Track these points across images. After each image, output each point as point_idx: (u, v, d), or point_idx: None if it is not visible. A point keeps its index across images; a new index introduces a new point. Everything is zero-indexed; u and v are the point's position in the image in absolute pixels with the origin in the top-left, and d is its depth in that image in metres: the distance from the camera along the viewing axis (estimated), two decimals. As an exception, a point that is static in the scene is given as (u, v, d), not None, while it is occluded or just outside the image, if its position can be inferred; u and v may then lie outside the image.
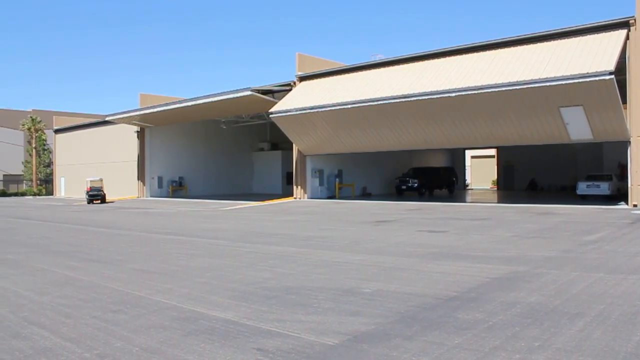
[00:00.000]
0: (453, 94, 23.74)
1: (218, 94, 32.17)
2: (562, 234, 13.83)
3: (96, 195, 38.45)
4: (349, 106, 27.46)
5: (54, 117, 56.67)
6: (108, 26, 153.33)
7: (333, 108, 28.11)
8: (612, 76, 19.80)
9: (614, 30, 21.82)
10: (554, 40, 23.26)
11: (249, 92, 30.19)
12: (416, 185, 34.65)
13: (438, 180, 38.39)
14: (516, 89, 21.98)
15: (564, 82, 20.77)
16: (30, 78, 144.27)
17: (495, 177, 48.48)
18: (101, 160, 47.61)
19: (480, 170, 52.84)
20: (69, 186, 52.98)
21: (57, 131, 55.24)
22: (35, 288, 8.40)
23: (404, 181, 35.14)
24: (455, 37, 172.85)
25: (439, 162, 45.77)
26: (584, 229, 14.96)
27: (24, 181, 59.76)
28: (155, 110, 36.47)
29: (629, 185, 22.54)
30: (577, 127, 22.50)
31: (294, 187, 34.22)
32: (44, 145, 59.01)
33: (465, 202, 30.71)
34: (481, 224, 17.01)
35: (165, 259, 11.17)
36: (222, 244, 13.71)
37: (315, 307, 6.72)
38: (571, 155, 38.51)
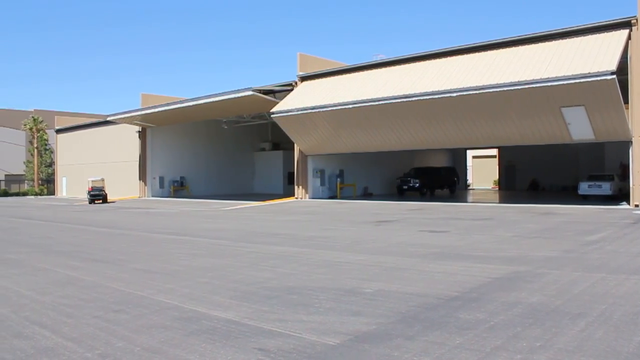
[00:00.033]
0: (454, 94, 23.73)
1: (219, 94, 32.18)
2: (563, 234, 13.81)
3: (98, 195, 38.48)
4: (350, 106, 27.45)
5: (55, 117, 56.74)
6: (110, 26, 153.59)
7: (334, 108, 28.11)
8: (614, 76, 19.78)
9: (615, 30, 21.79)
10: (555, 40, 23.24)
11: (250, 92, 30.20)
12: (417, 185, 34.62)
13: (439, 180, 38.35)
14: (518, 89, 21.96)
15: (565, 82, 20.75)
16: (32, 78, 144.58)
17: (496, 177, 48.43)
18: (103, 160, 47.65)
19: (482, 170, 52.79)
20: (71, 186, 53.03)
21: (58, 131, 55.31)
22: (36, 288, 8.41)
23: (406, 181, 35.11)
24: (456, 37, 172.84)
25: (440, 162, 45.73)
26: (586, 229, 14.95)
27: (26, 181, 59.83)
28: (156, 110, 36.50)
29: (631, 185, 22.51)
30: (579, 127, 22.48)
31: (295, 187, 34.22)
32: (46, 145, 59.07)
33: (466, 202, 30.69)
34: (482, 224, 17.00)
35: (167, 259, 11.17)
36: (223, 244, 13.71)
37: (317, 307, 6.72)
38: (573, 156, 38.47)
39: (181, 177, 44.35)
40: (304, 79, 32.59)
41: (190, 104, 34.31)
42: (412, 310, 6.40)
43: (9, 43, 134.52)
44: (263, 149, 48.77)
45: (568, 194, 31.79)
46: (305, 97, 30.44)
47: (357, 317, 6.18)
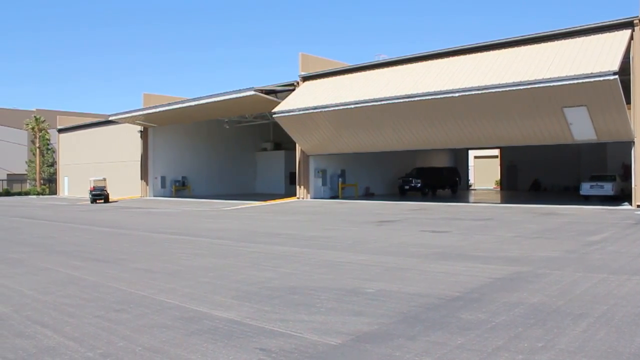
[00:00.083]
0: (456, 94, 23.72)
1: (221, 93, 32.19)
2: (565, 235, 13.80)
3: (99, 195, 38.53)
4: (352, 106, 27.45)
5: (57, 116, 56.79)
6: (111, 26, 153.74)
7: (336, 108, 28.11)
8: (616, 76, 19.74)
9: (618, 31, 21.75)
10: (557, 40, 23.21)
11: (252, 92, 30.21)
12: (419, 185, 34.62)
13: (441, 180, 38.35)
14: (520, 89, 21.94)
15: (567, 82, 20.72)
16: (34, 78, 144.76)
17: (498, 177, 48.38)
18: (105, 159, 47.69)
19: (484, 171, 52.74)
20: (73, 186, 53.09)
21: (60, 131, 55.37)
22: (38, 287, 8.43)
23: (407, 181, 35.11)
24: (458, 37, 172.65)
25: (442, 162, 45.70)
26: (588, 229, 14.93)
27: (28, 180, 59.91)
28: (158, 110, 36.53)
29: (633, 185, 22.47)
30: (581, 128, 22.45)
31: (297, 187, 34.23)
32: (48, 144, 59.15)
33: (468, 202, 30.67)
34: (484, 224, 16.99)
35: (169, 259, 11.18)
36: (225, 243, 13.72)
37: (318, 307, 6.72)
38: (575, 156, 38.42)
39: (183, 177, 44.38)
40: (305, 79, 32.59)
41: (192, 103, 34.33)
42: (414, 311, 6.40)
43: (11, 43, 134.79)
44: (265, 149, 48.78)
45: (570, 195, 31.76)
46: (307, 97, 30.44)
47: (359, 317, 6.18)
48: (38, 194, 55.46)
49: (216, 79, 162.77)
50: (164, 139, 43.12)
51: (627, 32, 21.49)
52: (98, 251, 12.80)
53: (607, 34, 21.87)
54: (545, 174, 41.69)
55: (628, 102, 21.54)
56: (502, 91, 22.47)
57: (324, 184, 34.09)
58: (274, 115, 31.21)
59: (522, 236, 13.71)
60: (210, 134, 44.85)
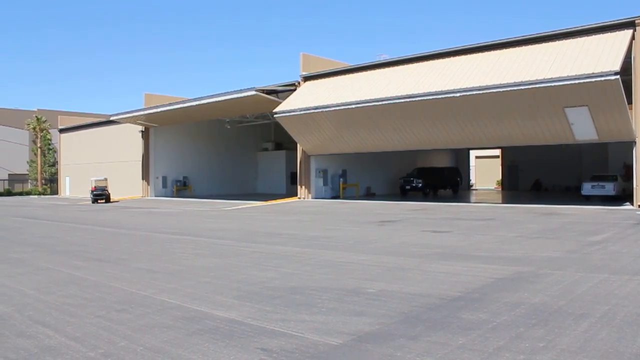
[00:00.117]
0: (458, 94, 23.71)
1: (222, 93, 32.21)
2: (566, 235, 13.79)
3: (101, 195, 38.55)
4: (354, 106, 27.45)
5: (58, 116, 56.85)
6: (113, 26, 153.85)
7: (337, 108, 28.11)
8: (618, 76, 19.73)
9: (619, 30, 21.73)
10: (559, 40, 23.20)
11: (253, 92, 30.22)
12: (420, 185, 34.61)
13: (442, 180, 38.33)
14: (521, 89, 21.93)
15: (569, 82, 20.70)
16: (35, 78, 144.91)
17: (499, 177, 48.36)
18: (106, 159, 47.74)
19: (485, 171, 52.72)
20: (74, 185, 53.14)
21: (62, 131, 55.42)
22: (40, 287, 8.44)
23: (408, 181, 35.10)
24: (459, 38, 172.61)
25: (443, 162, 45.68)
26: (589, 229, 14.92)
27: (29, 180, 59.98)
28: (159, 110, 36.56)
29: (634, 185, 22.46)
30: (582, 128, 22.43)
31: (298, 187, 34.23)
32: (49, 144, 59.23)
33: (469, 202, 30.65)
34: (485, 225, 16.98)
35: (170, 259, 11.19)
36: (226, 243, 13.73)
37: (320, 307, 6.72)
38: (576, 156, 38.39)
39: (184, 177, 44.40)
40: (307, 78, 32.59)
41: (193, 103, 34.36)
42: (415, 311, 6.40)
43: (13, 43, 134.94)
44: (266, 149, 48.80)
45: (571, 195, 31.73)
46: (308, 97, 30.45)
47: (360, 317, 6.18)
48: (39, 194, 55.52)
49: (217, 79, 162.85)
50: (165, 139, 43.15)
51: (628, 32, 21.47)
52: (99, 251, 12.81)
53: (609, 33, 21.85)
54: (547, 174, 41.66)
55: (629, 102, 21.52)
56: (504, 91, 22.46)
57: (325, 184, 34.09)
58: (275, 115, 31.22)
59: (524, 236, 13.70)
60: (212, 134, 44.87)
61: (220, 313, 6.53)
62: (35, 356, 5.10)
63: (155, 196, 42.54)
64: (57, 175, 57.51)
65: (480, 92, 23.02)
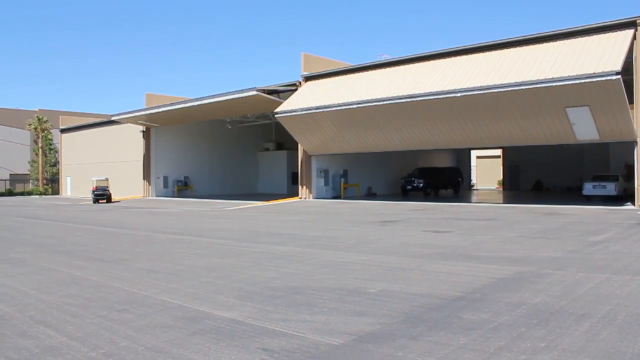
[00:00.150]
0: (459, 94, 23.70)
1: (224, 93, 32.22)
2: (567, 235, 13.77)
3: (102, 195, 38.57)
4: (355, 106, 27.45)
5: (60, 116, 56.88)
6: (114, 26, 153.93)
7: (338, 108, 28.11)
8: (619, 76, 19.71)
9: (620, 30, 21.71)
10: (560, 40, 23.18)
11: (254, 92, 30.22)
12: (421, 185, 34.60)
13: (443, 180, 38.32)
14: (522, 89, 21.91)
15: (570, 82, 20.69)
16: (37, 78, 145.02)
17: (500, 177, 48.35)
18: (107, 159, 47.77)
19: (486, 171, 52.70)
20: (75, 185, 53.18)
21: (63, 131, 55.46)
22: (41, 287, 8.44)
23: (410, 181, 35.09)
24: (460, 38, 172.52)
25: (444, 162, 45.66)
26: (590, 229, 14.90)
27: (30, 180, 60.04)
28: (161, 110, 36.58)
29: (636, 185, 22.43)
30: (584, 128, 22.41)
31: (299, 187, 34.24)
32: (50, 144, 59.29)
33: (470, 202, 30.64)
34: (486, 225, 16.97)
35: (171, 259, 11.20)
36: (227, 243, 13.73)
37: (321, 307, 6.72)
38: (577, 156, 38.36)
39: (185, 177, 44.42)
40: (308, 79, 32.59)
41: (195, 104, 34.37)
42: (416, 311, 6.40)
43: (14, 43, 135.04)
44: (267, 149, 48.81)
45: (572, 195, 31.71)
46: (309, 97, 30.45)
47: (361, 317, 6.18)
48: (41, 194, 55.57)
49: (218, 79, 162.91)
50: (167, 139, 43.18)
51: (629, 32, 21.46)
52: (100, 251, 12.82)
53: (610, 33, 21.83)
54: (548, 174, 41.63)
55: (631, 102, 21.50)
56: (505, 91, 22.45)
57: (326, 184, 34.09)
58: (276, 116, 31.23)
59: (525, 236, 13.69)
60: (213, 134, 44.89)
61: (221, 313, 6.53)
62: (37, 356, 5.10)
63: (157, 196, 42.56)
64: (59, 175, 57.56)
65: (482, 92, 23.01)
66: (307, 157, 33.43)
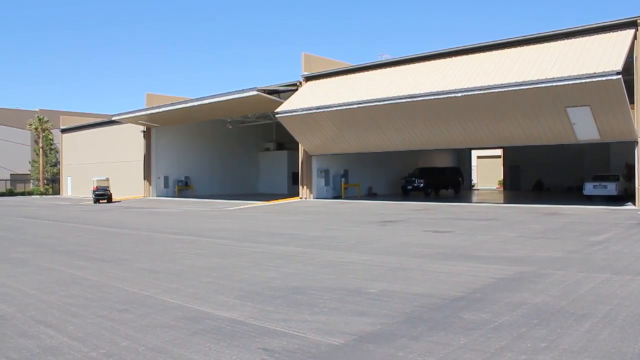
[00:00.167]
0: (459, 94, 23.69)
1: (224, 94, 32.22)
2: (568, 235, 13.77)
3: (102, 195, 38.58)
4: (355, 106, 27.45)
5: (60, 116, 56.92)
6: (114, 26, 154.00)
7: (339, 108, 28.11)
8: (620, 76, 19.70)
9: (621, 30, 21.70)
10: (560, 40, 23.17)
11: (255, 92, 30.23)
12: (422, 185, 34.59)
13: (444, 180, 38.30)
14: (523, 89, 21.90)
15: (571, 82, 20.68)
16: (37, 78, 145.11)
17: (501, 177, 48.34)
18: (107, 159, 47.79)
19: (487, 171, 52.70)
20: (76, 185, 53.21)
21: (63, 131, 55.50)
22: (41, 287, 8.45)
23: (410, 181, 35.08)
24: (460, 38, 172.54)
25: (445, 162, 45.57)
26: (591, 229, 14.90)
27: (31, 180, 60.08)
28: (161, 110, 36.59)
29: (636, 185, 22.42)
30: (584, 128, 22.40)
31: (300, 187, 34.23)
32: (51, 144, 59.32)
33: (471, 202, 30.63)
34: (487, 225, 16.97)
35: (172, 259, 11.20)
36: (228, 243, 13.73)
37: (321, 307, 6.72)
38: (578, 156, 38.34)
39: (185, 177, 44.44)
40: (308, 79, 32.59)
41: (195, 104, 34.38)
42: (417, 311, 6.40)
43: (14, 43, 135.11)
44: (267, 149, 48.82)
45: (573, 195, 31.69)
46: (310, 97, 30.45)
47: (362, 317, 6.18)
48: (41, 194, 55.60)
49: (219, 79, 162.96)
50: (167, 139, 43.19)
51: (630, 32, 21.45)
52: (101, 251, 12.82)
53: (611, 33, 21.82)
54: (548, 174, 41.62)
55: (631, 101, 21.49)
56: (505, 91, 22.44)
57: (326, 184, 34.09)
58: (276, 116, 31.23)
59: (525, 236, 13.69)
60: (213, 134, 44.90)
61: (222, 313, 6.53)
62: (37, 356, 5.10)
63: (157, 196, 42.57)
64: (59, 175, 57.59)
65: (482, 92, 23.01)
66: (308, 157, 33.44)
